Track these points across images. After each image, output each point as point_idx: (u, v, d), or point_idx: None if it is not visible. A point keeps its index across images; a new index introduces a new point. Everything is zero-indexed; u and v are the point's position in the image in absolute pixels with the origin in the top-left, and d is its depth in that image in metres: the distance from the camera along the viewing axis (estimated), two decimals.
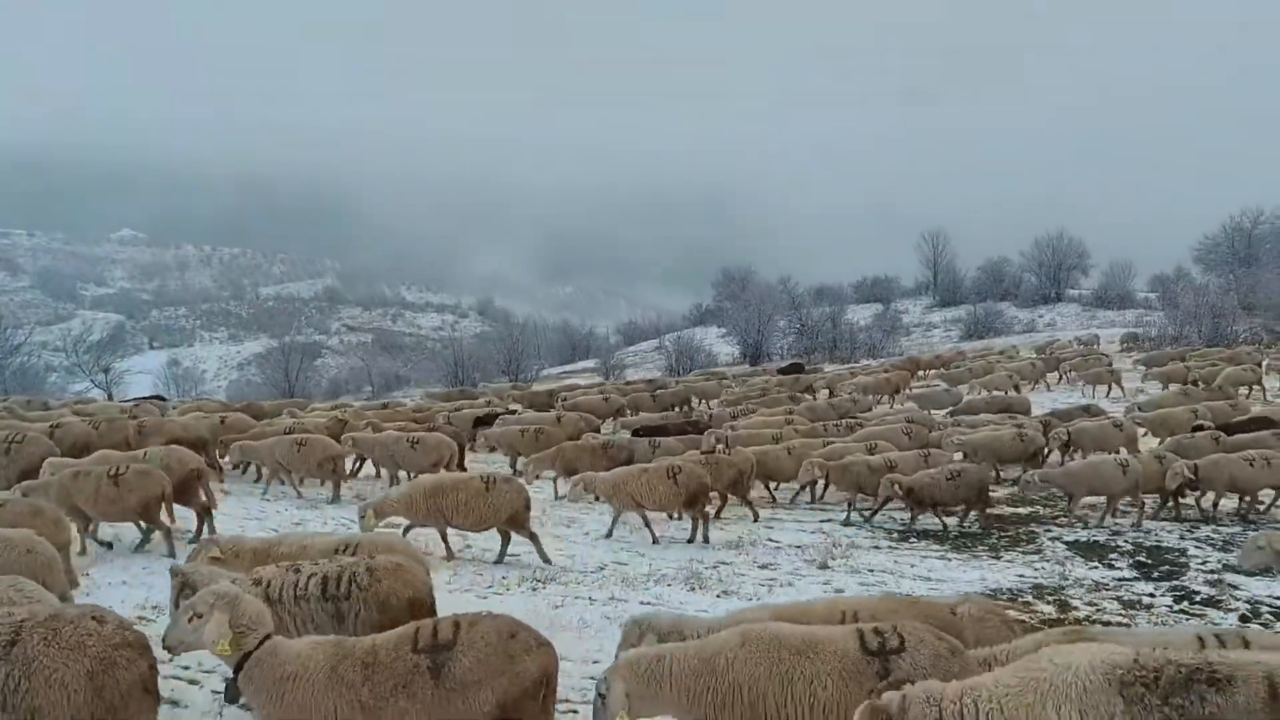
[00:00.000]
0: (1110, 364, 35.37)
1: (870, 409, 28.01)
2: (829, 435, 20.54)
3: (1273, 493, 15.82)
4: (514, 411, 26.94)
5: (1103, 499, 15.49)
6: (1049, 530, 14.94)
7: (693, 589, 10.97)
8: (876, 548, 13.86)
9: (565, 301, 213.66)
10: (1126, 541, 14.00)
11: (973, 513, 15.20)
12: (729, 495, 15.91)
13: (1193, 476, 14.90)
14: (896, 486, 14.86)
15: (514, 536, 12.29)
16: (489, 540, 12.55)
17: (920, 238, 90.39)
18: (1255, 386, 29.58)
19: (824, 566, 12.21)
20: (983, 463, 17.27)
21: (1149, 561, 12.83)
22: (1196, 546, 13.62)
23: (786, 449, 18.05)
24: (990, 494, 15.77)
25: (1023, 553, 13.46)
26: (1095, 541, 14.06)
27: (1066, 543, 14.02)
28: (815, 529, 15.22)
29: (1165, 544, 13.86)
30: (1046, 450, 19.26)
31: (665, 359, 62.66)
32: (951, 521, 15.21)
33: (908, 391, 33.72)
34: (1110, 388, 32.51)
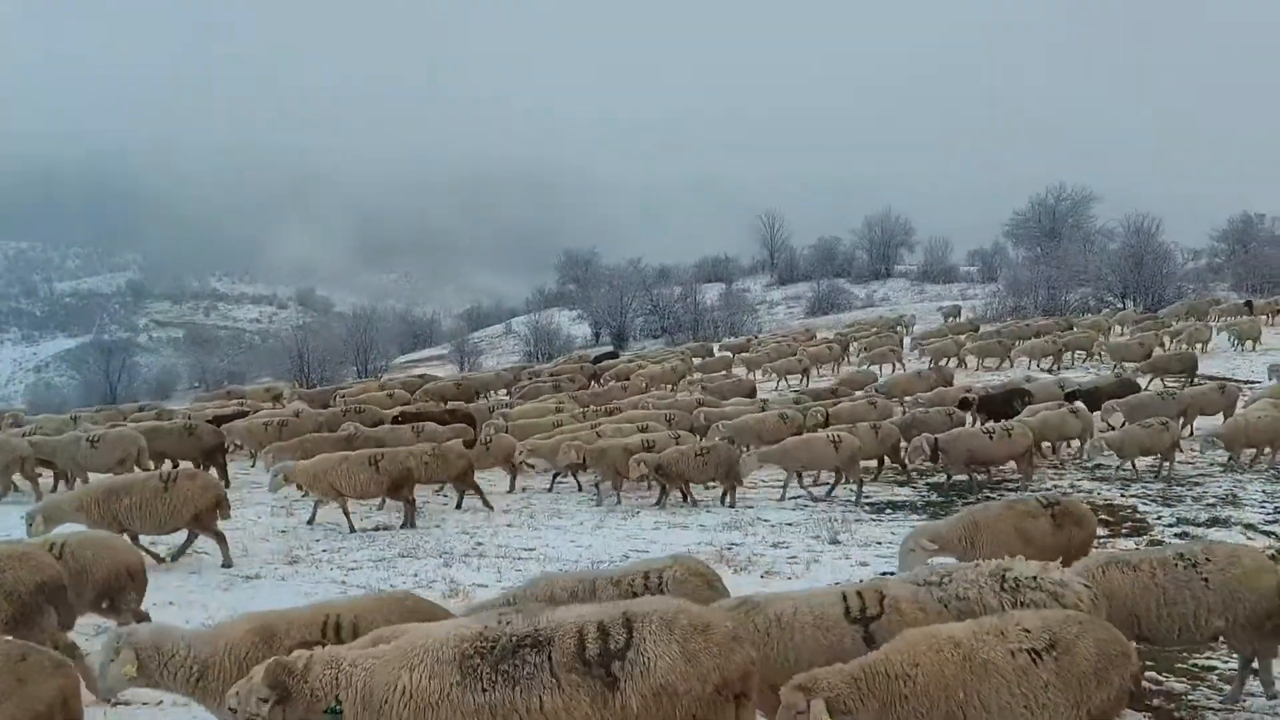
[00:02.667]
0: (899, 343, 36.53)
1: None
2: (600, 419, 20.58)
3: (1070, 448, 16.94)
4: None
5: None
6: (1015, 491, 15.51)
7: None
8: (874, 520, 14.22)
9: (390, 288, 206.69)
10: (1085, 501, 14.89)
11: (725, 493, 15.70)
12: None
13: (931, 450, 15.77)
14: (642, 465, 15.05)
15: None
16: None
17: (757, 218, 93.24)
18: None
19: (834, 542, 12.42)
20: (746, 445, 17.68)
21: (1111, 519, 13.69)
22: (1144, 504, 14.51)
23: (576, 435, 17.89)
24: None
25: None
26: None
27: None
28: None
29: (1118, 501, 14.73)
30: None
31: (521, 344, 61.95)
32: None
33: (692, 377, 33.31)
34: (894, 367, 32.74)
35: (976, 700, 5.01)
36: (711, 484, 16.45)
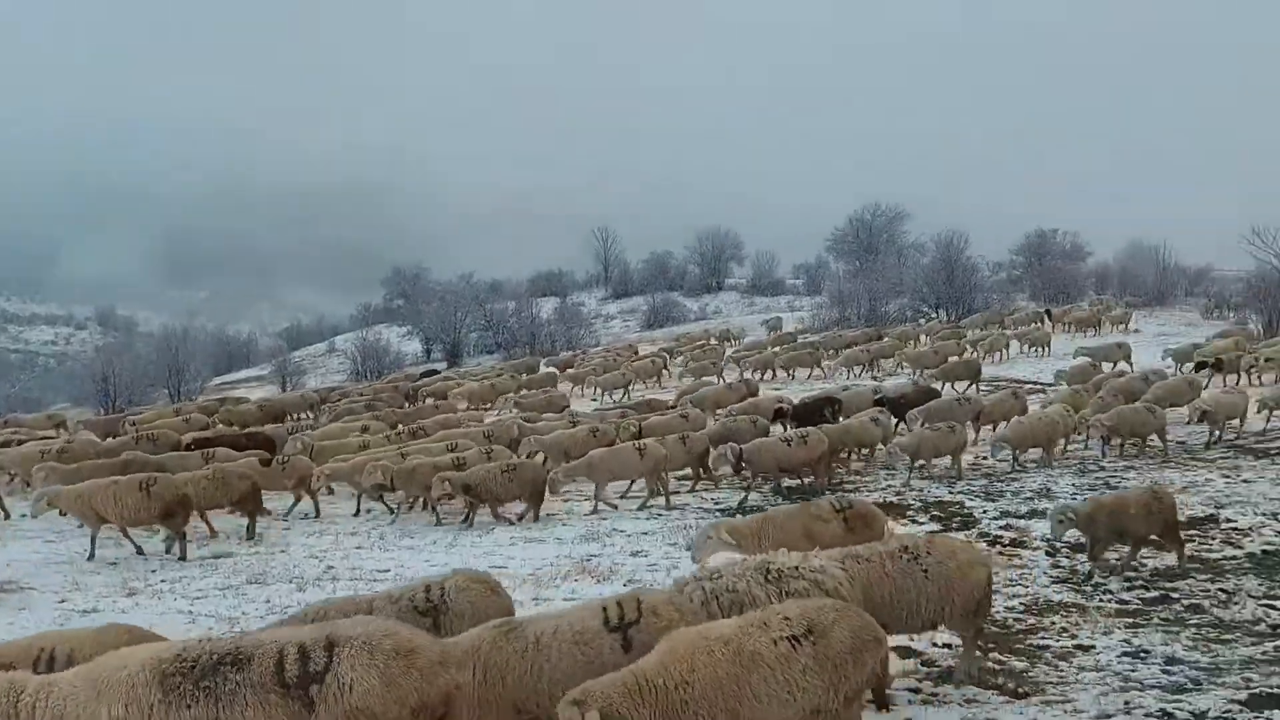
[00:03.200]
0: (721, 357, 36.88)
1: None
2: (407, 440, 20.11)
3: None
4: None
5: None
6: (859, 494, 15.81)
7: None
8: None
9: (199, 306, 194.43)
10: (916, 500, 15.27)
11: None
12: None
13: (735, 459, 16.15)
14: (447, 484, 14.72)
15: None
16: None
17: (591, 232, 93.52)
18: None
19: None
20: (557, 460, 17.54)
21: (943, 515, 14.07)
22: (969, 499, 15.14)
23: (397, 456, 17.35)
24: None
25: None
26: (890, 501, 15.17)
27: None
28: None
29: (947, 498, 15.32)
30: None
31: (348, 362, 59.53)
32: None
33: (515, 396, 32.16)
34: (718, 379, 32.55)
35: (749, 691, 5.21)
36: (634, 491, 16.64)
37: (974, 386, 26.90)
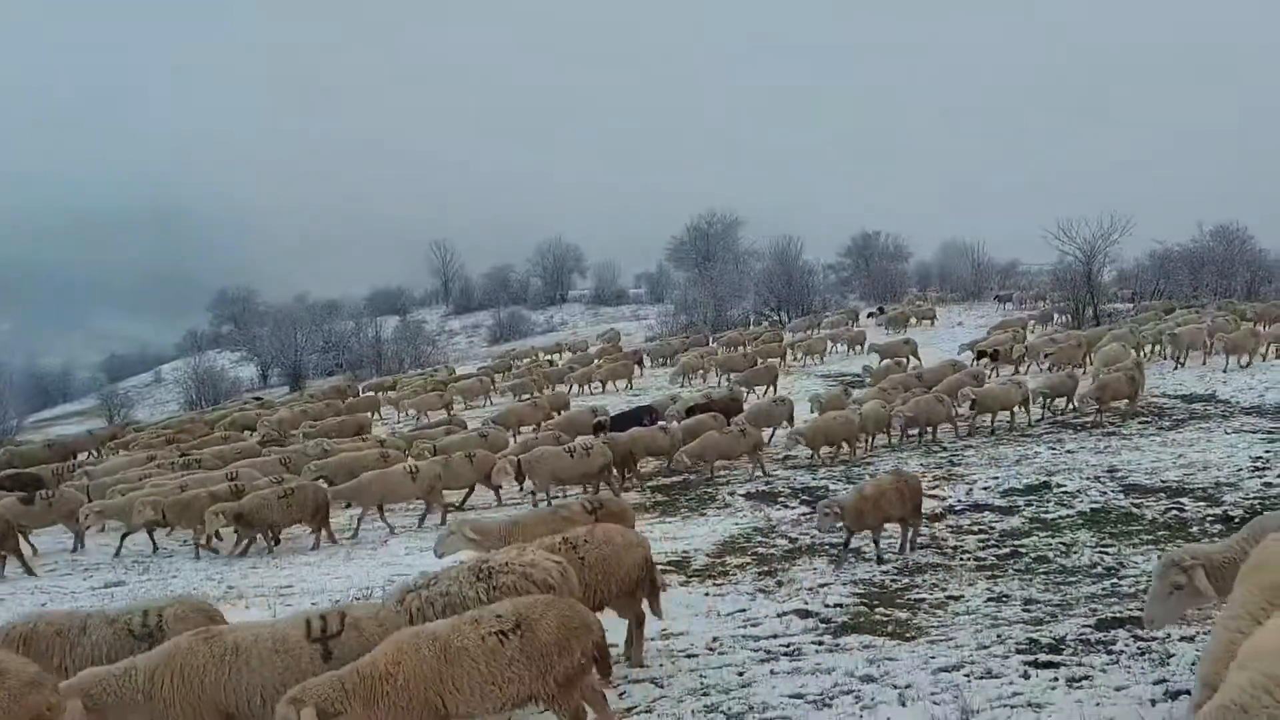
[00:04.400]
0: (540, 374, 36.20)
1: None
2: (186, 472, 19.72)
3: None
4: None
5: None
6: (729, 487, 16.88)
7: None
8: None
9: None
10: (785, 487, 16.30)
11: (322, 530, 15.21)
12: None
13: (516, 470, 16.31)
14: (220, 516, 14.27)
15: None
16: None
17: (430, 247, 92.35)
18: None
19: None
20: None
21: (810, 499, 15.09)
22: (833, 483, 16.25)
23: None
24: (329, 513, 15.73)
25: (718, 509, 15.09)
26: (762, 490, 16.14)
27: (742, 495, 16.02)
28: None
29: (813, 484, 16.40)
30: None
31: (180, 391, 56.74)
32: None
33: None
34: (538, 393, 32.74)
35: (451, 684, 5.62)
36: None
37: (771, 390, 28.21)
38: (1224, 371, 24.23)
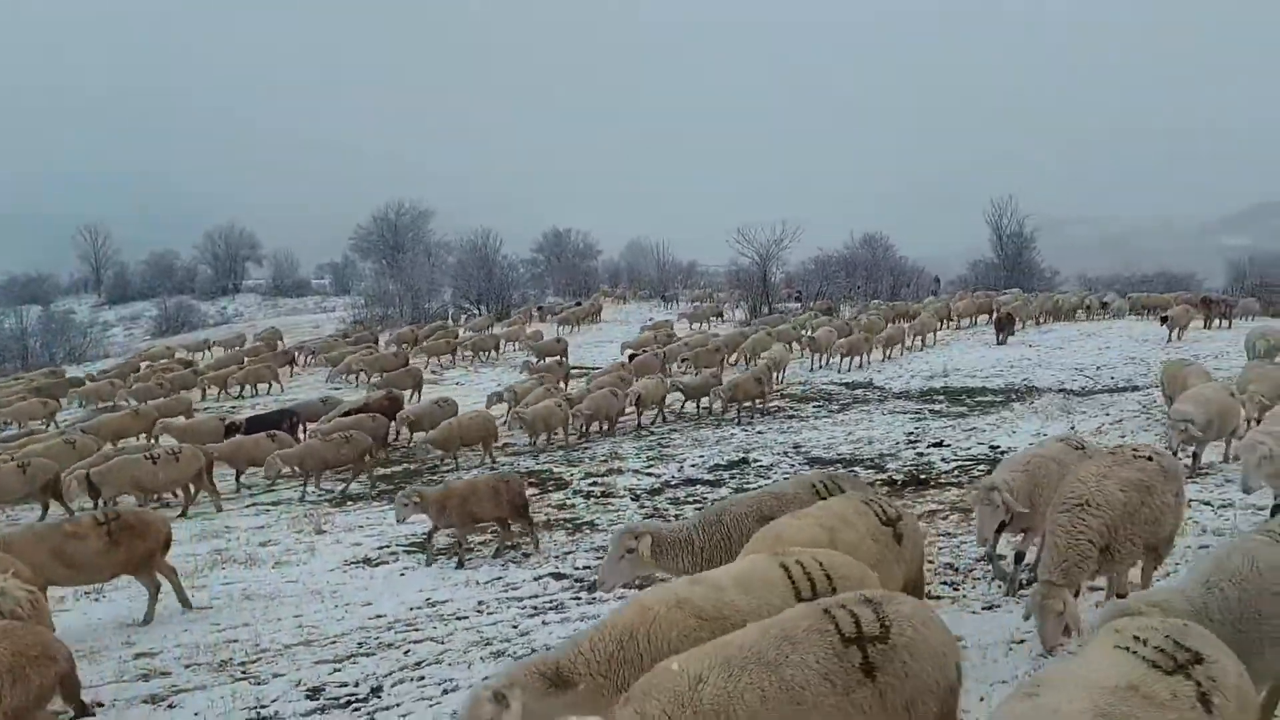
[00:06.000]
0: (170, 378, 31.12)
1: None
2: None
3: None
4: None
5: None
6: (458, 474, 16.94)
7: None
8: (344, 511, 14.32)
9: None
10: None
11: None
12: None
13: (84, 480, 14.63)
14: None
15: None
16: None
17: (77, 231, 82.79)
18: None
19: (320, 532, 12.85)
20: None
21: (538, 480, 15.90)
22: (556, 466, 17.13)
23: None
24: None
25: None
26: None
27: None
28: None
29: (537, 467, 17.17)
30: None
31: None
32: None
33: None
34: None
35: None
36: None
37: (417, 394, 26.86)
38: (840, 371, 27.23)
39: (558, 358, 31.05)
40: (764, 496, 7.23)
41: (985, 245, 64.51)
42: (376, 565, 11.38)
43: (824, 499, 6.72)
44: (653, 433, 20.41)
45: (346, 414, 20.37)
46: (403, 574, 10.90)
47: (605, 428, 21.07)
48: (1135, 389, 20.83)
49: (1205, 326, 30.96)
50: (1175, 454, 10.90)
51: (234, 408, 27.35)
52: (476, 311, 51.72)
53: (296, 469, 16.82)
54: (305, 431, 20.88)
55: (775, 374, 25.05)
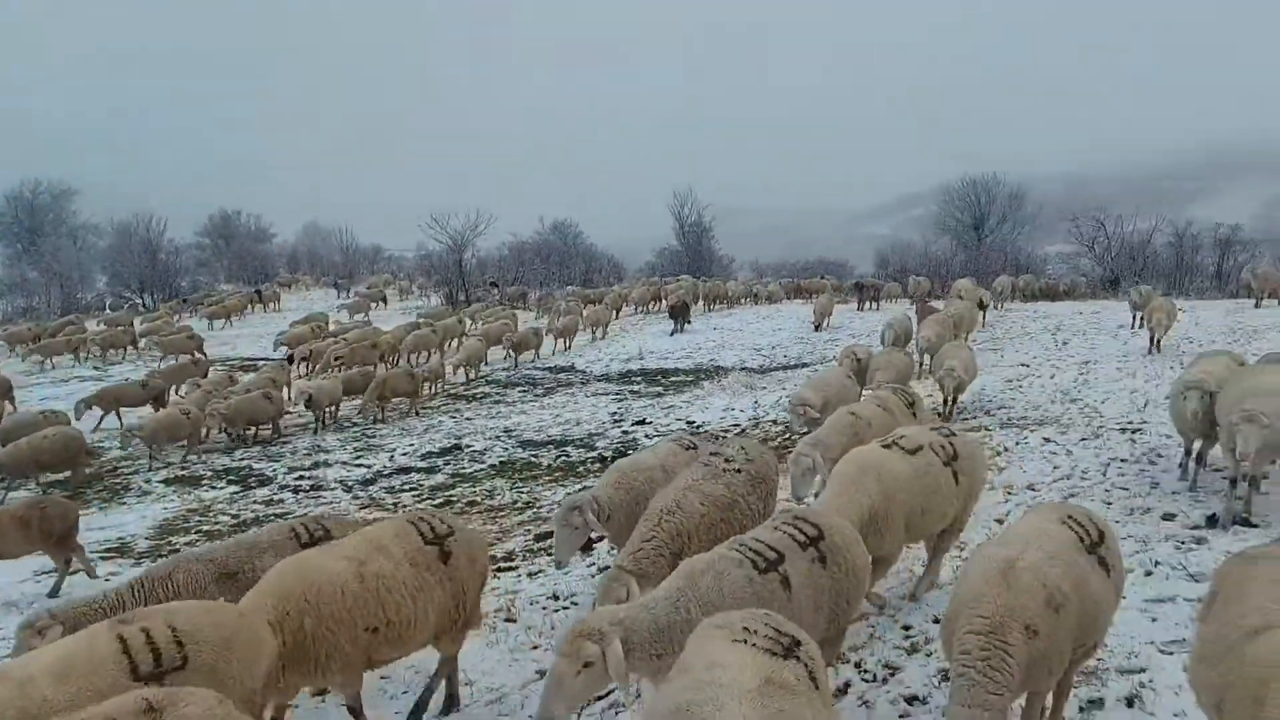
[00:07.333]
0: None
1: None
2: None
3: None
4: None
5: None
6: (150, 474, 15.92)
7: None
8: None
9: None
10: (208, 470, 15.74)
11: None
12: None
13: None
14: None
15: None
16: None
17: None
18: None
19: None
20: None
21: (238, 478, 15.05)
22: (255, 463, 15.94)
23: None
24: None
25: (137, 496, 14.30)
26: (180, 475, 15.46)
27: (160, 482, 15.20)
28: None
29: (233, 465, 16.23)
30: None
31: None
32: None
33: None
34: None
35: None
36: None
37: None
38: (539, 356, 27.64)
39: (191, 355, 27.39)
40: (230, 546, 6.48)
41: (670, 234, 67.85)
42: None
43: (305, 545, 6.27)
44: (356, 424, 19.83)
45: None
46: None
47: (255, 432, 18.95)
48: (804, 365, 23.14)
49: (859, 309, 34.58)
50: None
51: None
52: (137, 301, 46.86)
53: None
54: None
55: (472, 370, 25.15)
